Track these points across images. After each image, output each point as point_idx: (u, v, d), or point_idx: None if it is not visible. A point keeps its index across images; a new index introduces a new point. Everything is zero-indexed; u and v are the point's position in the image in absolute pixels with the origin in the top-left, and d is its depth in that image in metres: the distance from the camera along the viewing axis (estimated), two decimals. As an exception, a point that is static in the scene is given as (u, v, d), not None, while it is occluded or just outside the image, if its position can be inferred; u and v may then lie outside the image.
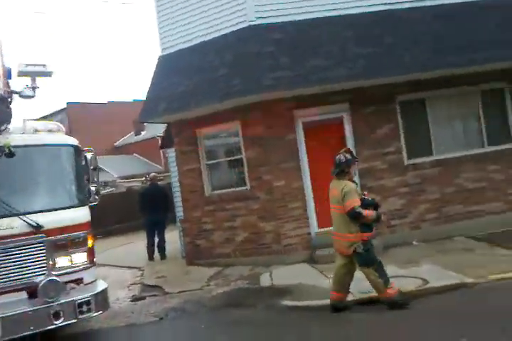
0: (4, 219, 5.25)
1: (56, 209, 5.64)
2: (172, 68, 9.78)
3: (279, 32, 8.75)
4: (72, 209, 5.80)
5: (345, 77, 8.23)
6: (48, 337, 5.58)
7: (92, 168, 6.37)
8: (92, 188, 6.38)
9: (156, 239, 11.37)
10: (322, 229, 8.83)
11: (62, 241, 5.54)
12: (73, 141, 6.30)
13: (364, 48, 8.44)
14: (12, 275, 5.22)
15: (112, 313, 7.17)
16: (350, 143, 8.95)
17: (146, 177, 12.30)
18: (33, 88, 5.72)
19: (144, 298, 8.08)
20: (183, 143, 9.93)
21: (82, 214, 5.89)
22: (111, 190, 23.38)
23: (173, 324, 6.59)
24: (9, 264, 5.21)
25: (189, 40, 9.71)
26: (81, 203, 5.98)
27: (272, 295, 7.09)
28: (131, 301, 8.00)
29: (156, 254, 11.37)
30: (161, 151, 24.71)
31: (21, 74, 5.51)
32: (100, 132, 32.57)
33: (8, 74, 5.28)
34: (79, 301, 5.38)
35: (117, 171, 28.84)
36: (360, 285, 6.45)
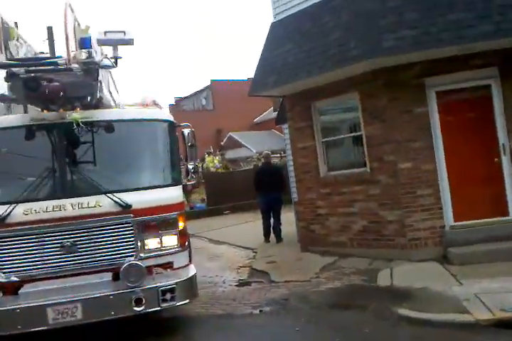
0: (92, 196, 5.04)
1: (146, 188, 5.30)
2: (284, 35, 8.78)
3: (406, -18, 7.18)
4: (163, 188, 5.40)
5: (491, 34, 6.47)
6: (140, 320, 5.39)
7: (189, 144, 5.94)
8: (190, 166, 5.97)
9: (272, 221, 10.79)
10: (459, 223, 7.37)
11: (152, 222, 5.17)
12: (168, 116, 5.91)
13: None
14: (98, 255, 5.01)
15: (215, 298, 6.99)
16: (499, 116, 7.22)
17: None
18: (115, 58, 5.31)
19: (249, 284, 7.68)
20: (297, 118, 9.00)
21: (174, 194, 5.45)
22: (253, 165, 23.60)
23: (269, 320, 5.95)
24: (95, 243, 5.00)
25: (303, 1, 8.58)
26: (174, 182, 5.56)
27: (389, 298, 6.03)
28: (236, 285, 7.67)
29: (272, 236, 10.82)
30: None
31: (100, 42, 5.12)
32: (241, 109, 33.20)
33: (86, 43, 4.88)
34: (162, 288, 5.00)
35: (256, 147, 29.15)
36: (503, 299, 5.14)
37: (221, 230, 13.68)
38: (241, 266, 8.95)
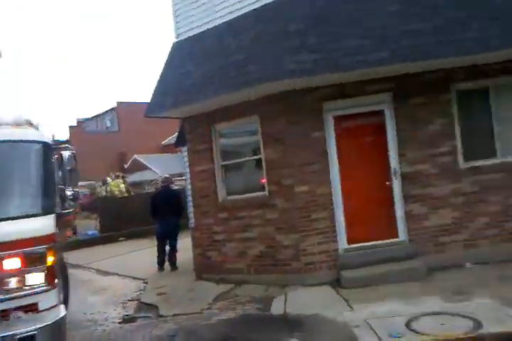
0: None
1: (8, 219, 4.53)
2: (184, 56, 8.51)
3: (308, 7, 7.25)
4: (31, 218, 4.65)
5: (386, 60, 6.64)
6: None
7: (68, 168, 5.27)
8: (68, 193, 5.25)
9: (168, 248, 10.18)
10: (353, 245, 7.35)
11: (12, 257, 4.40)
12: (41, 136, 5.25)
13: (412, 25, 6.78)
14: None
15: (93, 340, 6.30)
16: (391, 142, 7.38)
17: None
18: None
19: (134, 320, 7.07)
20: (196, 140, 8.66)
21: (43, 225, 4.68)
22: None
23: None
24: None
25: (206, 22, 8.40)
26: (45, 211, 4.80)
27: (281, 328, 5.81)
28: (120, 322, 7.00)
29: (167, 264, 10.18)
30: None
31: None
32: (149, 131, 32.28)
33: None
34: (19, 336, 4.21)
35: (163, 170, 28.29)
36: (391, 324, 5.06)
37: (112, 259, 12.70)
38: (128, 300, 8.28)
